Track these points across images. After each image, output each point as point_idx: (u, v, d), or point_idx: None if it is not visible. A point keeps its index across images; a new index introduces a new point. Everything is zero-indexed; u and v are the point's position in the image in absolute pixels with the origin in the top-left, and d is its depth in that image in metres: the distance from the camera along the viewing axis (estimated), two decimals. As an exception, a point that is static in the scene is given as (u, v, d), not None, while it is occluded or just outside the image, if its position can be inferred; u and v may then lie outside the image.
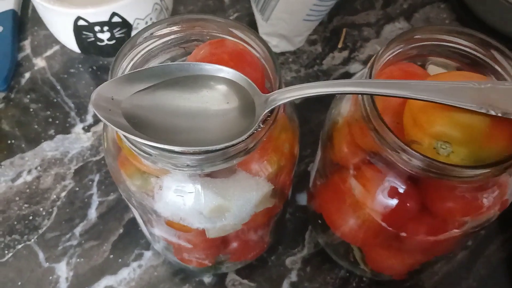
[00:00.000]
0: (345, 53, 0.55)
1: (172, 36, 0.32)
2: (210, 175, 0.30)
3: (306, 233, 0.46)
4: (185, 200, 0.30)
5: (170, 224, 0.33)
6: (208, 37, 0.33)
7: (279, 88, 0.29)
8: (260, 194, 0.32)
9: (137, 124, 0.27)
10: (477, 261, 0.45)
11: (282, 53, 0.54)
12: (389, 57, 0.32)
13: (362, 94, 0.30)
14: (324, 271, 0.44)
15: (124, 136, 0.27)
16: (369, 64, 0.31)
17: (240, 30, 0.31)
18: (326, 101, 0.51)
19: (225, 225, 0.32)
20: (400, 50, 0.32)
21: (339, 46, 0.55)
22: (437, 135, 0.28)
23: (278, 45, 0.54)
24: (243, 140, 0.27)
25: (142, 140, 0.26)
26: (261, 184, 0.32)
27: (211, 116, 0.28)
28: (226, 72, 0.28)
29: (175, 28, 0.31)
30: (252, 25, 0.55)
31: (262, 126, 0.28)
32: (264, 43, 0.31)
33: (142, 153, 0.28)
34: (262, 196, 0.32)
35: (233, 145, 0.27)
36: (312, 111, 0.50)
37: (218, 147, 0.27)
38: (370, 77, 0.30)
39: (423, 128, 0.29)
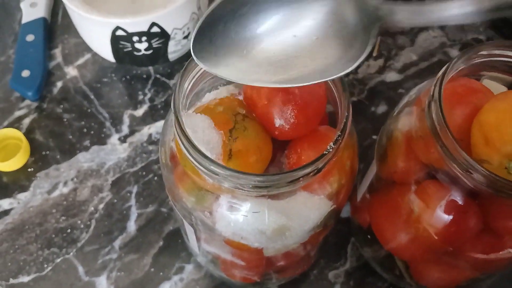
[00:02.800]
0: (380, 62, 0.54)
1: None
2: (274, 195, 0.30)
3: (348, 246, 0.45)
4: (248, 220, 0.30)
5: (228, 242, 0.32)
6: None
7: (347, 105, 0.29)
8: (322, 213, 0.31)
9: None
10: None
11: (317, 62, 0.54)
12: (452, 74, 0.31)
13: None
14: (368, 284, 0.44)
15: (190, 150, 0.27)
16: (435, 81, 0.30)
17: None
18: (367, 112, 0.51)
19: (284, 244, 0.32)
20: (462, 67, 0.32)
21: (374, 54, 0.54)
22: (510, 155, 0.28)
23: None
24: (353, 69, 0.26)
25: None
26: (323, 203, 0.31)
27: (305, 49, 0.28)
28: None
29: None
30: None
31: (333, 146, 0.27)
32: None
33: (208, 172, 0.27)
34: (324, 215, 0.31)
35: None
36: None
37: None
38: (439, 96, 0.29)
39: (496, 146, 0.28)
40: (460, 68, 0.32)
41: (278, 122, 0.30)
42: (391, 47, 0.55)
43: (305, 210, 0.31)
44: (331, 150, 0.27)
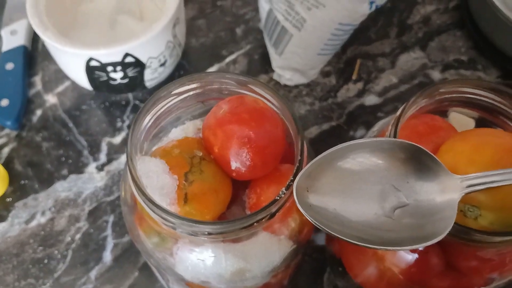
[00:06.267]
0: (360, 85, 0.54)
1: (191, 93, 0.31)
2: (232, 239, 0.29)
3: (324, 275, 0.45)
4: (205, 264, 0.30)
5: (190, 284, 0.32)
6: (226, 92, 0.32)
7: (301, 148, 0.29)
8: (282, 254, 0.31)
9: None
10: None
11: (296, 86, 0.54)
12: (413, 112, 0.31)
13: None
14: (344, 314, 0.44)
15: (148, 204, 0.27)
16: (392, 121, 0.30)
17: (258, 87, 0.31)
18: (345, 137, 0.51)
19: (246, 285, 0.32)
20: (423, 104, 0.31)
21: (354, 77, 0.54)
22: (466, 199, 0.28)
23: (291, 78, 0.53)
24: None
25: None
26: (283, 244, 0.31)
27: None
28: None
29: (192, 85, 0.31)
30: (265, 58, 0.54)
31: (285, 192, 0.27)
32: (284, 101, 0.30)
33: (163, 220, 0.27)
34: (285, 256, 0.31)
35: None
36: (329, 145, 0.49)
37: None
38: (394, 136, 0.29)
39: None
40: (420, 107, 0.31)
41: (234, 164, 0.30)
42: (371, 69, 0.55)
43: (265, 252, 0.30)
44: (283, 195, 0.27)
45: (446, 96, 0.31)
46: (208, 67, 0.55)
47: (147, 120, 0.31)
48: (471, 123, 0.35)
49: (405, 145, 0.25)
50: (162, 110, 0.31)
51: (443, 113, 0.35)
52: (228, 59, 0.55)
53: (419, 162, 0.26)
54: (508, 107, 0.31)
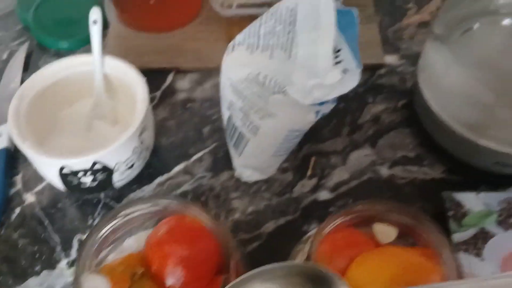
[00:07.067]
0: (314, 181, 0.58)
1: (136, 214, 0.36)
2: None
3: None
4: None
5: None
6: (170, 211, 0.36)
7: (229, 265, 0.33)
8: None
9: None
10: None
11: (256, 182, 0.58)
12: (332, 228, 0.35)
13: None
14: None
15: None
16: (311, 239, 0.34)
17: (196, 210, 0.35)
18: (299, 231, 0.55)
19: None
20: (342, 220, 0.36)
21: (308, 174, 0.59)
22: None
23: (251, 175, 0.57)
24: None
25: None
26: None
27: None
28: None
29: (138, 207, 0.35)
30: (229, 156, 0.59)
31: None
32: (217, 224, 0.34)
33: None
34: None
35: None
36: (285, 240, 0.53)
37: None
38: (312, 251, 0.33)
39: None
40: (339, 223, 0.36)
41: (169, 281, 0.33)
42: (325, 166, 0.59)
43: None
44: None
45: (363, 214, 0.36)
46: (176, 165, 0.60)
47: (99, 236, 0.35)
48: (394, 233, 0.39)
49: (304, 269, 0.29)
50: (110, 230, 0.35)
51: (368, 223, 0.40)
52: (194, 157, 0.60)
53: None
54: (418, 226, 0.35)
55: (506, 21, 0.56)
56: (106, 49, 0.68)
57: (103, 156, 0.50)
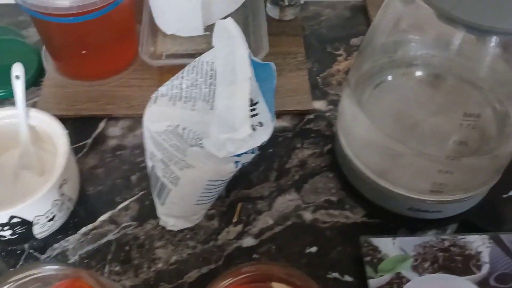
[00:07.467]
0: (240, 227, 0.59)
1: (27, 279, 0.36)
2: None
3: None
4: None
5: None
6: (61, 275, 0.37)
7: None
8: None
9: None
10: None
11: (181, 230, 0.59)
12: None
13: None
14: None
15: None
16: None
17: (87, 275, 0.36)
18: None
19: None
20: (232, 280, 0.37)
21: (234, 220, 0.60)
22: None
23: (175, 224, 0.58)
24: None
25: None
26: None
27: None
28: None
29: (28, 272, 0.36)
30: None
31: None
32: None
33: None
34: None
35: None
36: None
37: None
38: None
39: None
40: (230, 283, 0.37)
41: None
42: (251, 212, 0.61)
43: None
44: None
45: (251, 274, 0.37)
46: (101, 214, 0.60)
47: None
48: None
49: None
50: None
51: (268, 280, 0.41)
52: (120, 206, 0.61)
53: None
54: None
55: (418, 73, 0.59)
56: (40, 98, 0.69)
57: (20, 210, 0.50)
